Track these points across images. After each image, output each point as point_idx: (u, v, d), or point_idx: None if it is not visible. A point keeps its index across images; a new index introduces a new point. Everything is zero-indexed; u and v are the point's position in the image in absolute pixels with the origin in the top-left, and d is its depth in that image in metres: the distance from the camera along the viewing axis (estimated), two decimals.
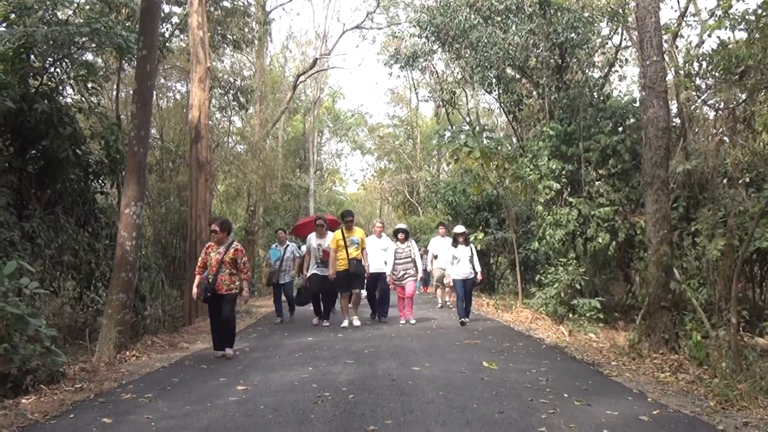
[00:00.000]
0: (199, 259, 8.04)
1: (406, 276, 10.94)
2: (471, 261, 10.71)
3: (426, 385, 5.78)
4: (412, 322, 10.83)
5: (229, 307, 7.75)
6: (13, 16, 9.61)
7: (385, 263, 11.11)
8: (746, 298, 8.36)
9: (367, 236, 11.41)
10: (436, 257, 14.02)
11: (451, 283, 11.09)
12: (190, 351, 8.69)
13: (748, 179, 8.24)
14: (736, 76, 8.33)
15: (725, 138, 9.29)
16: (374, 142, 44.48)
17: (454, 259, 10.80)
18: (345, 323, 10.51)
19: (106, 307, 8.17)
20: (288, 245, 12.30)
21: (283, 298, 12.27)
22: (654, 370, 6.64)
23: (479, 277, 10.93)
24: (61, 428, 4.69)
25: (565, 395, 5.37)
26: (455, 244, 10.96)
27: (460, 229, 11.16)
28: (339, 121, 44.60)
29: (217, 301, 7.72)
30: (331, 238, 10.71)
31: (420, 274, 11.54)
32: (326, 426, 4.49)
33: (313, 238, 11.17)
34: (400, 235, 11.17)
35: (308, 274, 11.14)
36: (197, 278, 7.85)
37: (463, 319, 10.55)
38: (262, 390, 5.74)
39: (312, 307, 11.58)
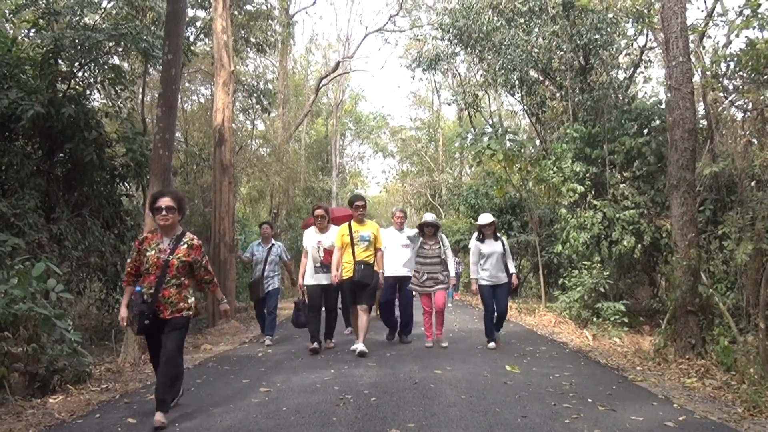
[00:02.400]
0: (128, 260, 5.23)
1: (432, 282, 8.52)
2: (503, 260, 8.48)
3: (448, 389, 5.76)
4: (444, 345, 8.43)
5: (175, 340, 4.93)
6: (41, 21, 9.78)
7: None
8: None
9: (384, 228, 9.43)
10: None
11: (476, 290, 8.67)
12: (213, 353, 8.74)
13: None
14: (765, 77, 8.19)
15: (753, 140, 9.14)
16: (396, 144, 44.50)
17: (480, 258, 8.51)
18: (357, 346, 7.84)
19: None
20: (273, 245, 9.69)
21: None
22: (680, 376, 6.55)
23: (515, 280, 8.65)
24: (87, 428, 4.74)
25: (589, 400, 5.31)
26: (481, 237, 8.62)
27: (486, 218, 8.69)
28: (361, 124, 44.70)
29: (159, 332, 4.95)
30: (335, 235, 8.25)
31: (453, 280, 8.95)
32: (348, 428, 4.49)
33: (310, 234, 8.52)
34: (428, 230, 8.67)
35: (304, 285, 8.48)
36: (126, 293, 5.14)
37: (491, 343, 8.43)
38: (284, 392, 5.76)
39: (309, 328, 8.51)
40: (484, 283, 8.48)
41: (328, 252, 8.27)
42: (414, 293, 8.89)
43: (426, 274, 8.57)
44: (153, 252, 4.96)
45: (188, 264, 5.06)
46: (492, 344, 8.40)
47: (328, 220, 8.54)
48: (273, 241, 9.78)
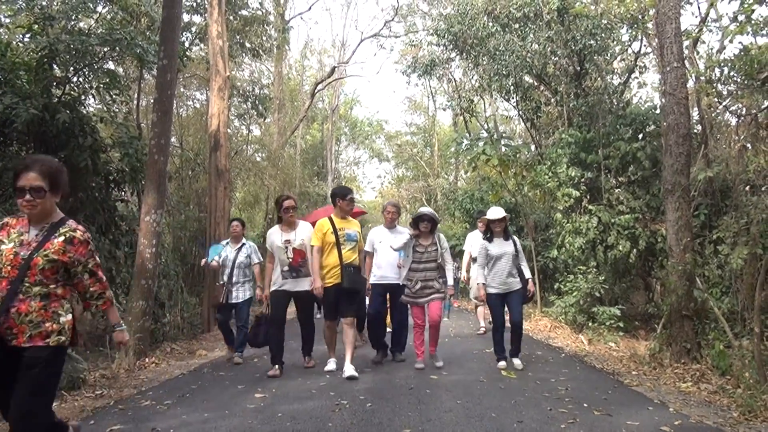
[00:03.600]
0: None
1: (427, 290, 7.09)
2: (516, 263, 7.23)
3: (444, 394, 5.75)
4: (439, 364, 7.14)
5: (34, 387, 3.19)
6: (36, 26, 9.76)
7: (400, 267, 7.51)
8: None
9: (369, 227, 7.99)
10: (474, 260, 9.52)
11: (483, 298, 7.44)
12: (208, 358, 8.72)
13: None
14: (759, 82, 8.23)
15: (747, 145, 9.18)
16: (392, 149, 44.55)
17: (488, 260, 7.26)
18: (330, 365, 6.94)
19: (126, 314, 8.23)
20: (244, 244, 8.32)
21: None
22: (675, 380, 6.55)
23: (531, 286, 7.25)
24: None
25: (585, 405, 5.31)
26: (489, 236, 7.39)
27: (497, 212, 7.34)
28: (356, 129, 44.75)
29: (10, 370, 3.23)
30: (308, 231, 7.07)
31: (451, 290, 7.36)
32: None
33: (275, 232, 7.12)
34: (423, 226, 7.12)
35: (268, 292, 7.15)
36: None
37: (501, 362, 7.15)
38: (279, 397, 5.74)
39: (271, 347, 7.10)
40: (492, 290, 7.17)
41: (299, 252, 6.94)
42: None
43: (419, 282, 7.08)
44: (11, 245, 3.37)
45: (62, 265, 3.44)
46: (502, 363, 7.10)
47: (295, 214, 7.22)
48: (244, 240, 8.42)
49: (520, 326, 7.27)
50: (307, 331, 7.32)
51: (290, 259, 6.93)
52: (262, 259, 8.30)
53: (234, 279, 8.09)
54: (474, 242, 9.96)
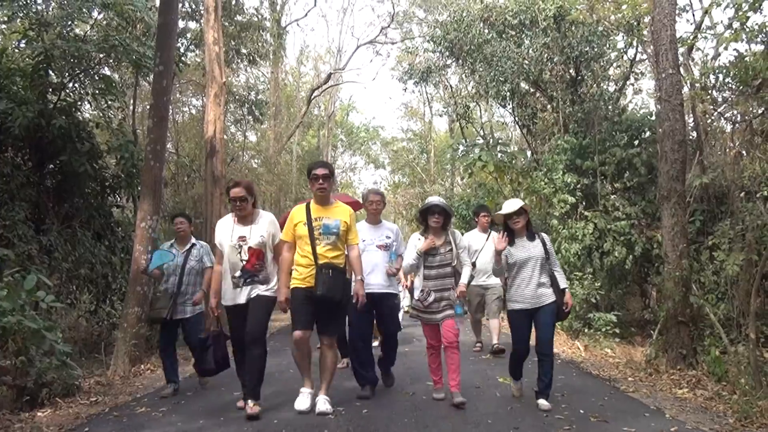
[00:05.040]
0: None
1: (442, 303, 5.63)
2: (545, 269, 5.60)
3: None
4: (459, 400, 5.42)
5: None
6: (31, 32, 9.76)
7: (392, 273, 6.16)
8: (765, 314, 8.23)
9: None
10: (473, 265, 7.82)
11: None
12: None
13: (766, 193, 8.15)
14: (754, 89, 8.27)
15: (743, 151, 9.21)
16: (388, 155, 44.56)
17: (510, 269, 5.67)
18: (302, 402, 5.34)
19: (122, 320, 8.21)
20: (194, 245, 6.62)
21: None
22: (671, 386, 6.55)
23: (569, 299, 5.64)
24: None
25: (581, 411, 5.31)
26: (509, 235, 5.63)
27: (513, 204, 5.71)
28: (352, 136, 44.78)
29: None
30: (271, 224, 5.55)
31: (461, 287, 5.84)
32: None
33: (225, 226, 5.57)
34: (434, 220, 5.66)
35: (221, 307, 5.66)
36: None
37: (516, 384, 5.97)
38: (275, 405, 5.71)
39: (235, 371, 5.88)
40: (516, 306, 5.59)
41: (256, 253, 5.38)
42: (404, 314, 7.24)
43: (432, 292, 5.61)
44: None
45: None
46: (517, 387, 5.93)
47: (251, 201, 5.49)
48: (193, 240, 6.74)
49: (550, 352, 5.61)
50: (253, 356, 5.29)
51: (244, 262, 5.35)
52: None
53: (182, 288, 6.39)
54: (474, 244, 8.60)
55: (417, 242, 5.75)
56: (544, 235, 5.83)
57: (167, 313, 6.38)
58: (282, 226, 5.66)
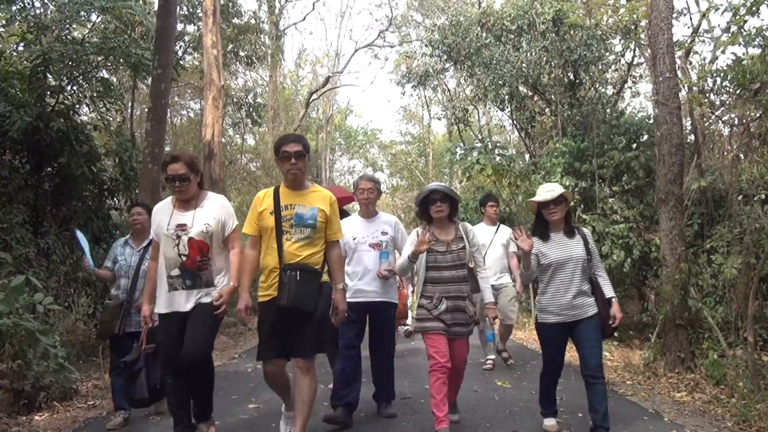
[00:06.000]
0: None
1: (458, 314, 4.53)
2: (586, 273, 4.60)
3: None
4: (455, 418, 4.87)
5: None
6: (29, 35, 9.77)
7: (383, 276, 5.07)
8: (763, 317, 8.24)
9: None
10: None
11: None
12: None
13: (764, 196, 8.16)
14: (751, 92, 8.28)
15: (740, 154, 9.22)
16: (386, 159, 44.61)
17: (541, 269, 4.66)
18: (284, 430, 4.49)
19: None
20: (152, 242, 4.65)
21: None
22: (670, 390, 6.55)
23: (616, 311, 4.59)
24: None
25: (580, 415, 5.30)
26: (541, 230, 4.72)
27: (552, 190, 4.69)
28: (351, 139, 44.84)
29: None
30: (221, 208, 4.43)
31: (490, 308, 4.86)
32: None
33: (161, 211, 4.43)
34: (436, 209, 4.62)
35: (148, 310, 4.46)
36: None
37: (550, 420, 4.88)
38: (273, 408, 5.70)
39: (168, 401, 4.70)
40: (549, 319, 4.59)
41: (198, 246, 4.22)
42: (408, 331, 6.61)
43: (444, 300, 4.48)
44: None
45: None
46: (551, 423, 4.83)
47: (200, 183, 4.41)
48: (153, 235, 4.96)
49: (601, 375, 4.49)
50: (197, 382, 4.30)
51: (183, 257, 4.19)
52: None
53: (136, 295, 5.26)
54: (481, 238, 6.34)
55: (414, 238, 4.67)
56: (585, 230, 4.79)
57: (118, 326, 5.25)
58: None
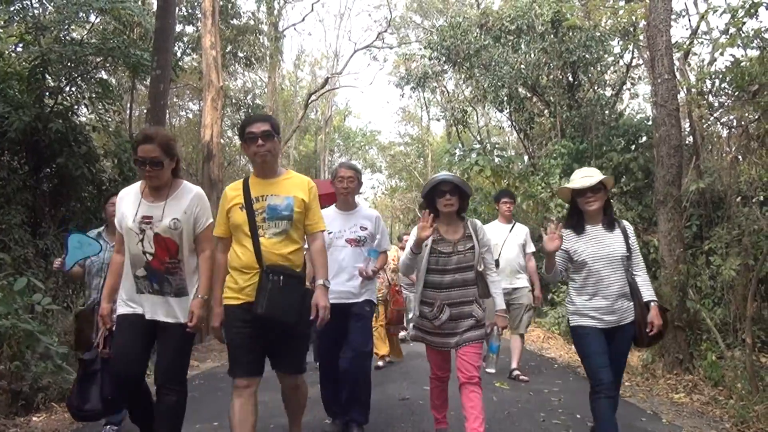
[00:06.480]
0: None
1: (462, 322, 4.04)
2: (628, 273, 4.00)
3: None
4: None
5: None
6: (28, 36, 9.76)
7: (367, 277, 4.53)
8: (761, 318, 8.24)
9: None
10: (495, 264, 5.41)
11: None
12: (200, 369, 8.67)
13: (762, 197, 8.17)
14: (750, 94, 8.28)
15: (739, 156, 9.23)
16: (385, 160, 44.64)
17: (575, 271, 4.07)
18: None
19: None
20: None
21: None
22: (668, 391, 6.55)
23: (655, 317, 3.92)
24: None
25: (578, 416, 5.30)
26: (575, 221, 4.07)
27: (590, 175, 3.99)
28: (350, 140, 44.87)
29: None
30: (195, 199, 3.67)
31: (500, 317, 4.29)
32: None
33: (127, 197, 3.69)
34: (445, 201, 4.05)
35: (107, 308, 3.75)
36: None
37: None
38: (272, 410, 5.69)
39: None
40: (587, 322, 3.90)
41: (166, 244, 3.56)
42: (406, 338, 6.42)
43: (447, 307, 3.98)
44: None
45: None
46: None
47: (175, 170, 3.68)
48: None
49: (617, 384, 4.09)
50: (167, 404, 3.68)
51: (149, 256, 3.54)
52: None
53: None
54: (494, 237, 6.50)
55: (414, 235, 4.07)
56: (625, 223, 4.17)
57: (98, 339, 4.11)
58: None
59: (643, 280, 4.01)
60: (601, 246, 3.94)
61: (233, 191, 3.71)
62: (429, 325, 4.05)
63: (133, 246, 3.56)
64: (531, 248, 7.08)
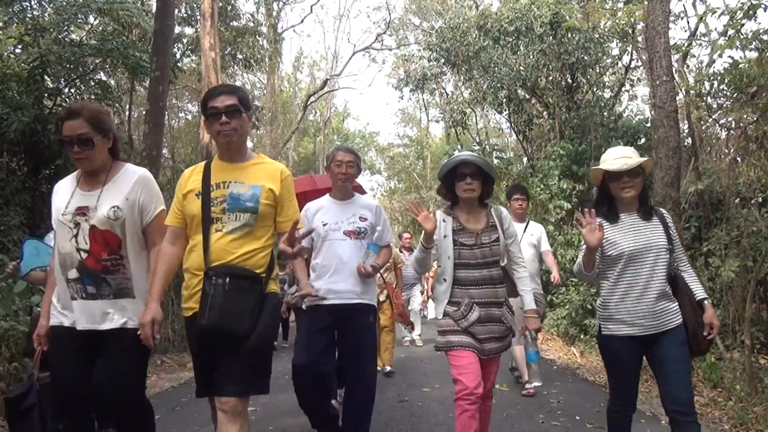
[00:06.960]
0: None
1: (494, 326, 3.48)
2: (668, 269, 3.28)
3: (436, 407, 5.73)
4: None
5: None
6: (27, 38, 9.77)
7: (367, 274, 3.91)
8: (760, 320, 8.24)
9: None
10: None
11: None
12: (191, 373, 8.65)
13: (761, 199, 8.17)
14: (748, 96, 8.29)
15: (737, 158, 9.23)
16: (384, 162, 44.65)
17: (607, 262, 3.35)
18: None
19: None
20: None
21: None
22: None
23: (711, 318, 3.25)
24: None
25: (577, 418, 5.30)
26: (607, 209, 3.39)
27: (626, 156, 3.32)
28: (349, 141, 44.90)
29: None
30: (139, 184, 3.04)
31: (532, 319, 3.64)
32: None
33: (62, 190, 3.12)
34: (466, 186, 3.47)
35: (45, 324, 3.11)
36: None
37: None
38: (271, 411, 5.70)
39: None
40: (619, 330, 3.30)
41: (104, 238, 2.94)
42: (409, 341, 6.12)
43: (476, 307, 3.45)
44: None
45: None
46: None
47: (112, 149, 3.13)
48: None
49: (693, 413, 3.28)
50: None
51: (83, 253, 2.93)
52: None
53: None
54: None
55: (441, 224, 3.54)
56: (663, 210, 3.57)
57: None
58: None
59: (689, 275, 3.39)
60: (638, 237, 3.29)
61: (192, 174, 3.10)
62: (455, 325, 3.44)
63: (65, 243, 2.94)
64: (546, 246, 6.65)
